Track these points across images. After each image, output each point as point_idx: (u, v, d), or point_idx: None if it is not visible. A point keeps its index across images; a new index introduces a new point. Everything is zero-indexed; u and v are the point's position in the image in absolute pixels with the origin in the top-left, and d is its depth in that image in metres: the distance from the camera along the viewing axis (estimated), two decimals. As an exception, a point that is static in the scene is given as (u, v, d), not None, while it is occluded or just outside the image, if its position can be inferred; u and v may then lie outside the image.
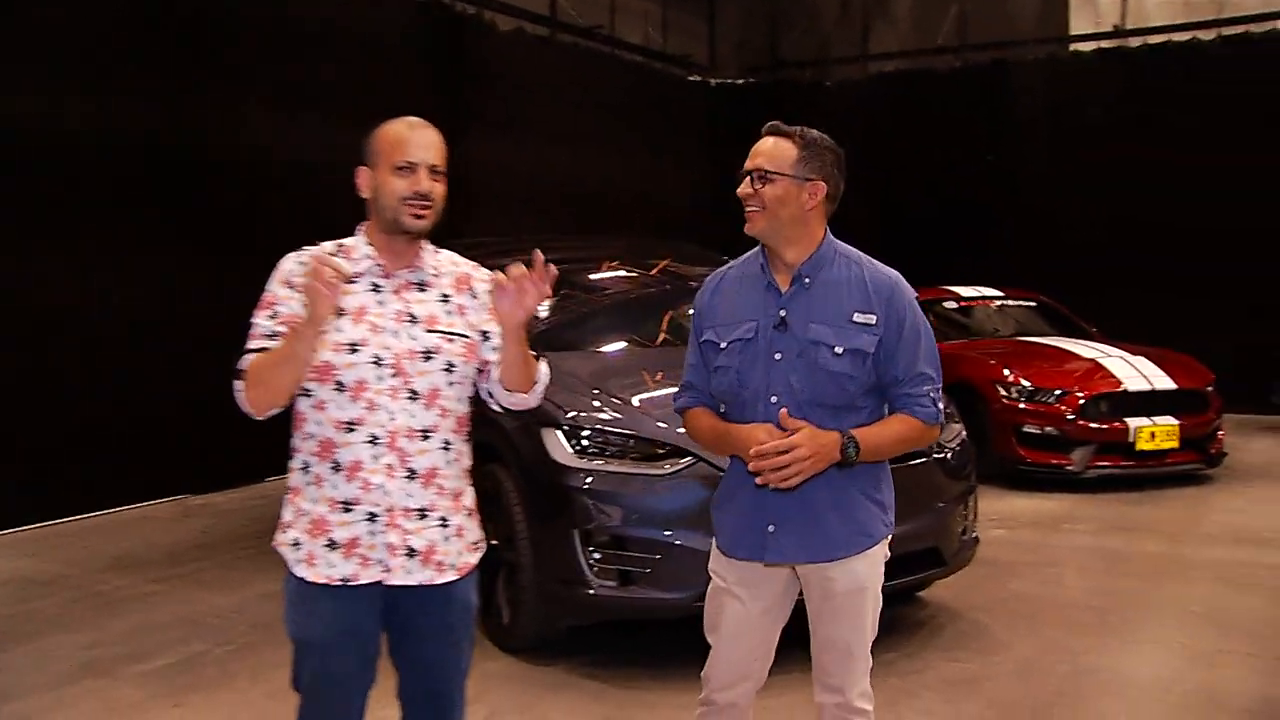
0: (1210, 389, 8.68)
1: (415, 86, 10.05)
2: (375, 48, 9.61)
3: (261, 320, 2.57)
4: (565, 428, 4.68)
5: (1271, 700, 4.40)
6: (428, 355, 2.58)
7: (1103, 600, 5.68)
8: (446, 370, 2.60)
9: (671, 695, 4.37)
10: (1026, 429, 8.38)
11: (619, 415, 4.79)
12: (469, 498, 2.74)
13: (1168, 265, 12.35)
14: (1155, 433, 8.25)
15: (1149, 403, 8.40)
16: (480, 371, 2.71)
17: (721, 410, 2.92)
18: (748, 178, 2.82)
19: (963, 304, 10.31)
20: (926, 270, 10.34)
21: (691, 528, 4.41)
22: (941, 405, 2.85)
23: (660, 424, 4.70)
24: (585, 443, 4.66)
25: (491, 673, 4.65)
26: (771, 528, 2.82)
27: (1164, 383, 8.49)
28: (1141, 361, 8.72)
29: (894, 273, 2.86)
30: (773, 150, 2.82)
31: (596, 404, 4.86)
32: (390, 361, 2.55)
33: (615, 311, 6.39)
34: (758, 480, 2.71)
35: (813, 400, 2.75)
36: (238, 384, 2.51)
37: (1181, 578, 6.10)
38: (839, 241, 2.89)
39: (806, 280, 2.81)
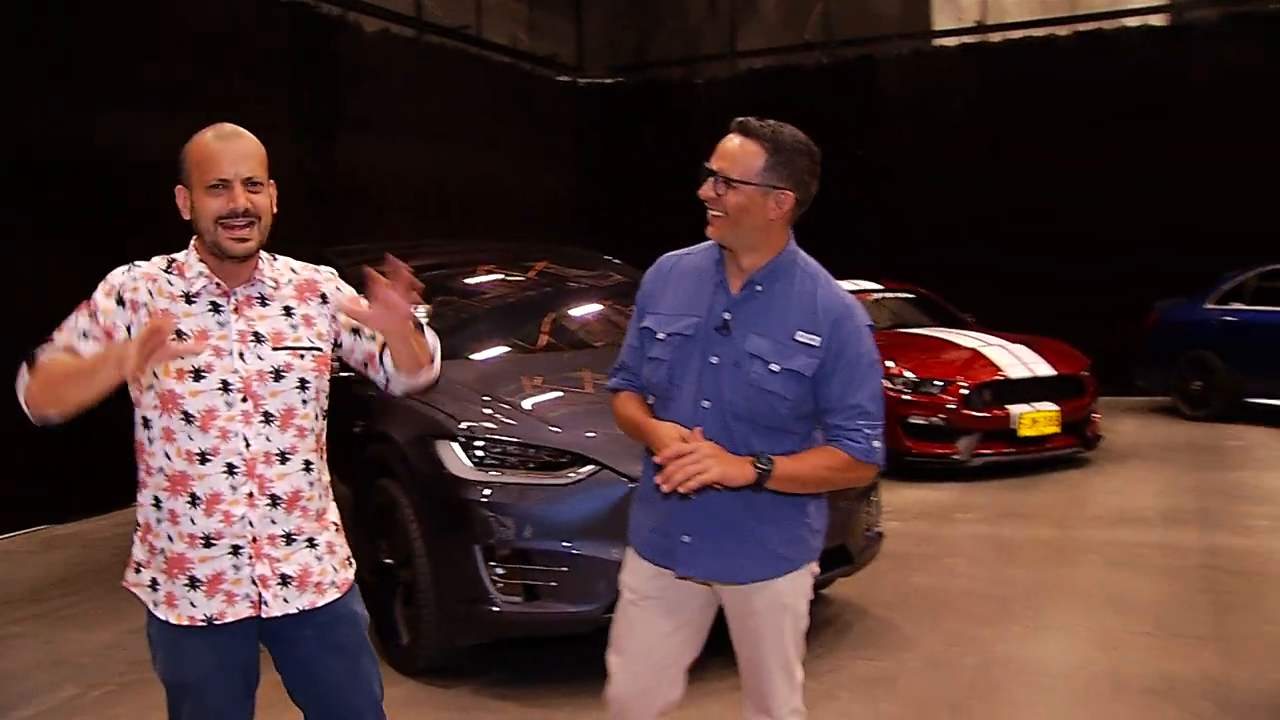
0: (1086, 374, 8.88)
1: (281, 88, 9.73)
2: (239, 48, 9.25)
3: (77, 319, 2.38)
4: (460, 439, 4.48)
5: (1171, 677, 4.45)
6: (278, 375, 2.43)
7: (1003, 589, 5.72)
8: (300, 388, 2.45)
9: (583, 713, 4.22)
10: (912, 420, 8.44)
11: (513, 423, 4.61)
12: (333, 513, 2.60)
13: (1029, 258, 12.74)
14: (1036, 419, 8.40)
15: (1029, 389, 8.55)
16: (366, 365, 2.59)
17: (650, 401, 2.77)
18: (710, 179, 2.61)
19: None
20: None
21: (597, 538, 4.27)
22: (879, 445, 2.62)
23: (555, 430, 4.55)
24: (482, 454, 4.47)
25: (395, 699, 4.36)
26: (686, 538, 2.67)
27: (1043, 369, 8.66)
28: (1020, 349, 8.88)
29: (851, 299, 2.67)
30: (738, 154, 2.59)
31: (488, 412, 4.67)
32: (239, 386, 2.39)
33: (495, 316, 6.19)
34: (658, 481, 2.49)
35: (742, 415, 2.60)
36: (24, 372, 2.31)
37: (1074, 562, 6.18)
38: (803, 253, 2.72)
39: (759, 288, 2.64)
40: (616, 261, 6.88)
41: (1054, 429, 8.48)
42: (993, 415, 8.40)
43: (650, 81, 14.94)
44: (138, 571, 2.47)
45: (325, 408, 2.55)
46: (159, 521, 2.42)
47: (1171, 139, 12.28)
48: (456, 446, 4.47)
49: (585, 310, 6.42)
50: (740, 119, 2.64)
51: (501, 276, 6.55)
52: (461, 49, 12.61)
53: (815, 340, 2.58)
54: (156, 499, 2.42)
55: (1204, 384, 10.52)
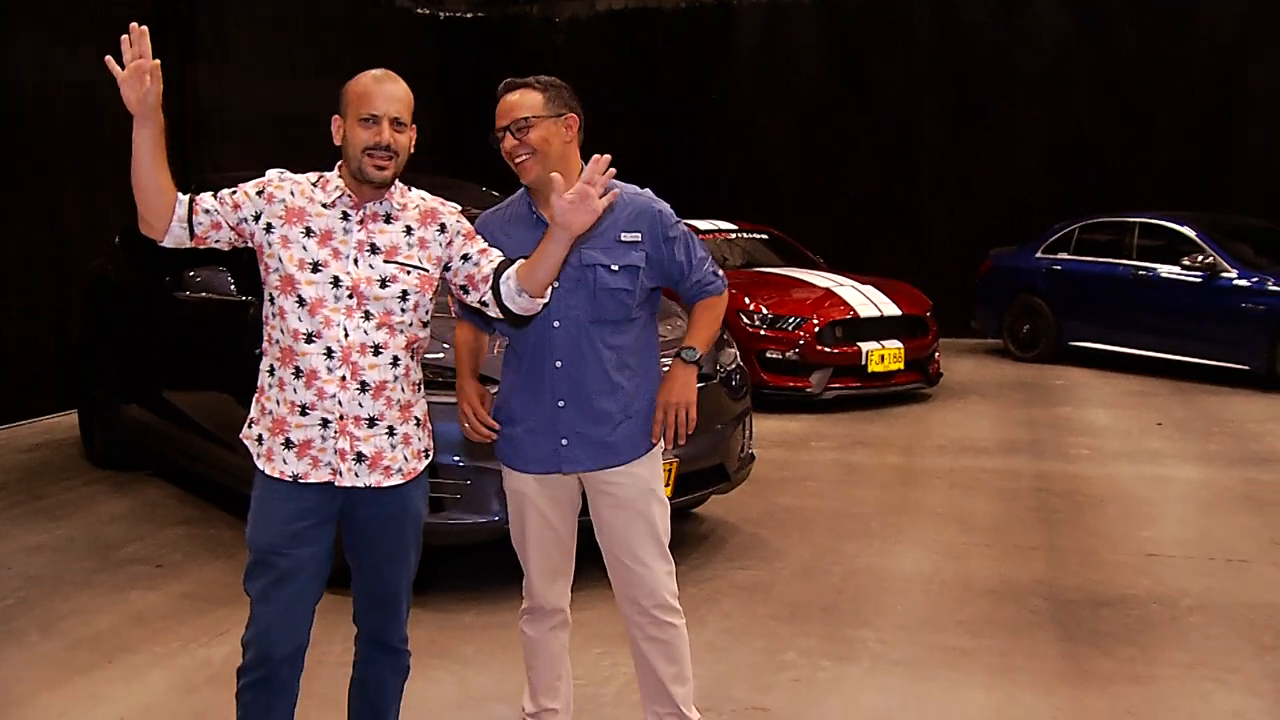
0: (929, 315, 9.48)
1: (138, 15, 9.44)
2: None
3: (223, 192, 2.72)
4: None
5: (1010, 580, 4.99)
6: (384, 283, 2.74)
7: (859, 508, 6.21)
8: (401, 298, 2.76)
9: (487, 615, 4.51)
10: (768, 354, 8.89)
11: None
12: (419, 409, 2.88)
13: (876, 204, 13.41)
14: (884, 355, 8.96)
15: (878, 328, 9.10)
16: (466, 288, 2.88)
17: (503, 340, 3.19)
18: (507, 133, 2.98)
19: (700, 237, 10.72)
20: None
21: (493, 453, 4.52)
22: (721, 272, 3.22)
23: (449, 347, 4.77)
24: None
25: (300, 608, 4.63)
26: (565, 441, 3.04)
27: (891, 309, 9.21)
28: (870, 289, 9.42)
29: (645, 191, 3.13)
30: (521, 100, 2.98)
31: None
32: (348, 285, 2.71)
33: None
34: (678, 444, 3.10)
35: (593, 319, 3.01)
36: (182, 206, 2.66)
37: (921, 485, 6.73)
38: None
39: None
40: (494, 193, 7.05)
41: (900, 365, 9.07)
42: (844, 351, 8.92)
43: (511, 18, 14.96)
44: (250, 427, 2.80)
45: (425, 319, 2.86)
46: (270, 386, 2.77)
47: (1016, 94, 13.04)
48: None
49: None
50: (506, 80, 3.06)
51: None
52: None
53: (636, 236, 3.04)
54: (271, 366, 2.78)
55: (1032, 327, 11.31)
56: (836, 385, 8.94)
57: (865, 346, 8.94)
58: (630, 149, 14.68)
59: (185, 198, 2.67)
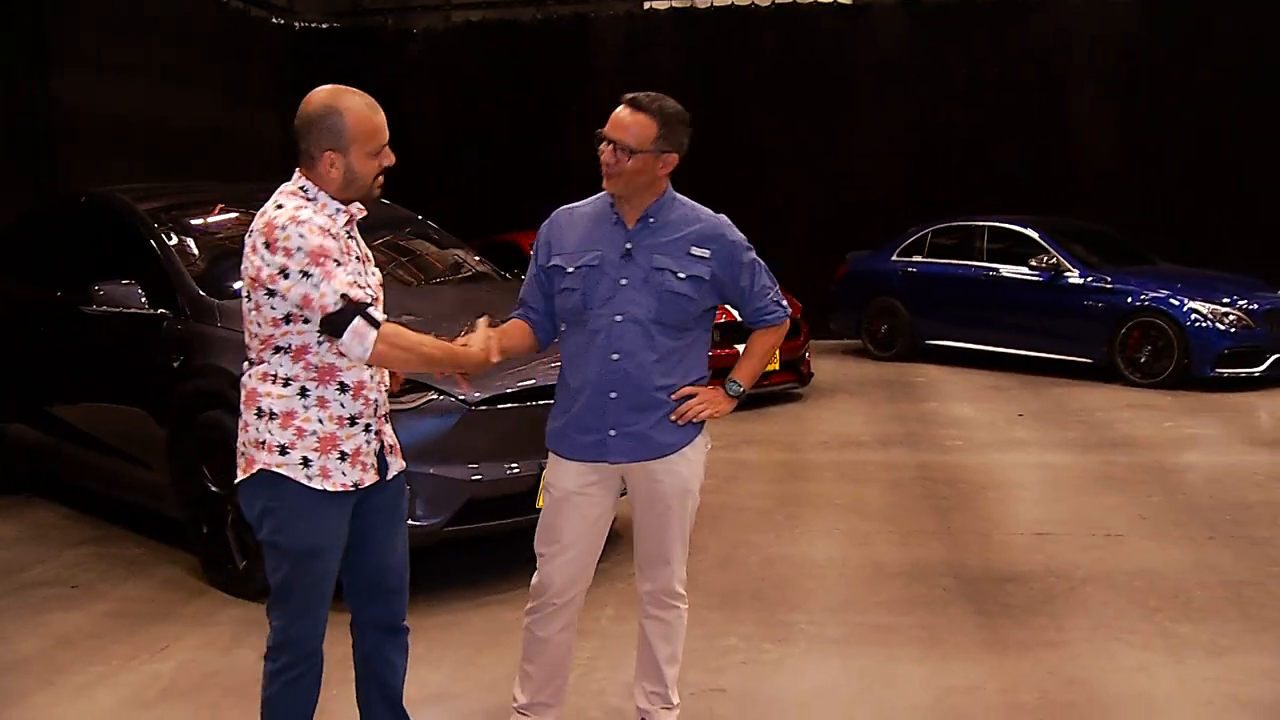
0: (800, 318, 9.84)
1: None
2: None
3: (343, 275, 2.75)
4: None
5: (916, 562, 5.32)
6: (383, 285, 3.01)
7: (759, 502, 6.47)
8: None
9: (429, 616, 4.57)
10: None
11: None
12: None
13: (730, 213, 13.76)
14: (761, 357, 9.26)
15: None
16: None
17: (563, 328, 3.28)
18: (610, 145, 3.13)
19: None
20: (510, 218, 11.00)
21: (438, 459, 4.62)
22: (785, 302, 3.39)
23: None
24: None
25: (237, 618, 4.63)
26: (613, 432, 3.19)
27: (765, 313, 9.52)
28: (743, 295, 9.71)
29: (722, 217, 3.33)
30: (634, 124, 3.12)
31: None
32: (372, 296, 2.86)
33: None
34: (674, 416, 3.18)
35: (654, 319, 3.17)
36: (371, 332, 2.71)
37: (811, 478, 7.04)
38: (677, 193, 3.33)
39: (651, 220, 3.23)
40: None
41: (775, 366, 9.39)
42: (722, 354, 9.18)
43: (366, 29, 14.86)
44: (285, 454, 2.80)
45: None
46: (308, 408, 2.83)
47: (854, 109, 13.63)
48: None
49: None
50: (631, 95, 3.19)
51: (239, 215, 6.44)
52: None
53: (706, 253, 3.22)
54: (304, 389, 2.81)
55: (890, 327, 11.85)
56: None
57: (741, 348, 9.22)
58: (489, 159, 14.90)
59: (361, 321, 2.72)
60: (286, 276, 2.70)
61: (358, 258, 2.89)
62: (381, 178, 2.89)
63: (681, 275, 3.17)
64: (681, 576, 3.38)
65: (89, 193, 6.41)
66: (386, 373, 3.00)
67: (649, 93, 3.21)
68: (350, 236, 2.90)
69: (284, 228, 2.72)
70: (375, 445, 2.93)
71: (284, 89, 13.93)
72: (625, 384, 3.16)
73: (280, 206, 2.78)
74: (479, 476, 4.77)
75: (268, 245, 2.72)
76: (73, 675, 4.13)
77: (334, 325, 2.71)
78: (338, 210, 2.86)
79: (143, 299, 5.24)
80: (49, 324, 6.04)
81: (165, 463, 5.17)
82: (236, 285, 5.37)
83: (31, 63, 9.73)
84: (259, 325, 2.80)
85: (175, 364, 5.06)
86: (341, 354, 2.78)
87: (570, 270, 3.20)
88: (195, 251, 5.53)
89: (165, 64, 11.38)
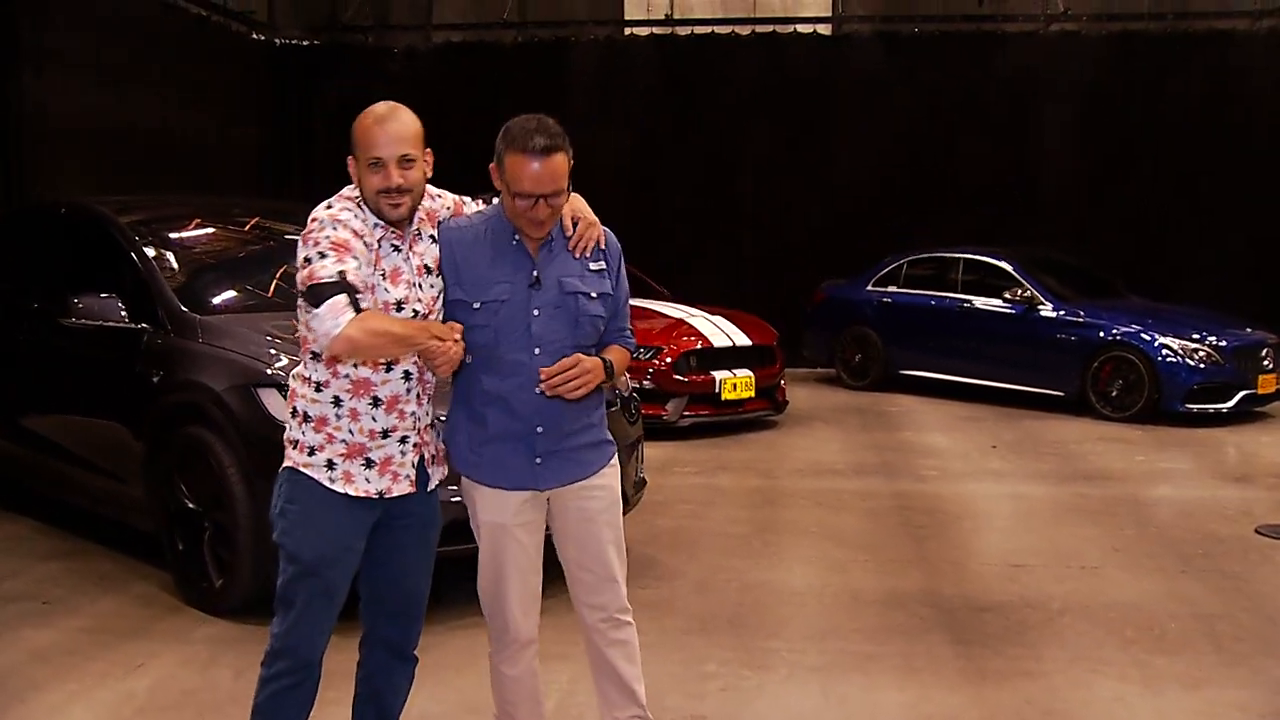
0: (776, 345, 9.90)
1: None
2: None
3: (353, 264, 2.71)
4: (281, 385, 4.63)
5: (894, 591, 5.34)
6: (439, 296, 2.94)
7: (736, 528, 6.48)
8: (444, 306, 2.97)
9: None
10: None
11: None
12: None
13: (705, 237, 13.86)
14: (737, 384, 9.31)
15: (730, 357, 9.45)
16: None
17: (468, 360, 3.02)
18: (541, 201, 2.90)
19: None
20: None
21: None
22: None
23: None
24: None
25: (211, 637, 4.59)
26: (539, 460, 3.08)
27: (742, 339, 9.58)
28: (720, 320, 9.77)
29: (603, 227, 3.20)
30: (556, 168, 2.90)
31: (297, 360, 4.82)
32: (423, 312, 2.86)
33: (235, 268, 6.08)
34: (544, 388, 2.97)
35: (573, 345, 3.05)
36: (349, 312, 2.61)
37: (787, 505, 7.06)
38: None
39: (553, 243, 3.07)
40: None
41: (751, 394, 9.43)
42: (699, 380, 9.23)
43: (346, 46, 14.84)
44: (313, 454, 2.83)
45: None
46: (339, 417, 2.87)
47: (830, 136, 13.75)
48: (277, 392, 4.60)
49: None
50: (541, 140, 2.87)
51: (218, 229, 6.40)
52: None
53: (602, 265, 3.13)
54: (337, 398, 2.83)
55: (863, 356, 11.91)
56: (690, 413, 9.23)
57: (718, 375, 9.27)
58: (467, 180, 14.85)
59: (343, 298, 2.65)
60: (309, 263, 2.72)
61: (389, 271, 2.83)
62: (397, 200, 2.80)
63: (594, 295, 3.07)
64: (624, 600, 3.27)
65: (68, 202, 6.38)
66: (429, 384, 2.95)
67: (539, 123, 2.91)
68: (396, 250, 2.86)
69: (320, 221, 2.77)
70: (414, 457, 2.93)
71: (265, 104, 13.94)
72: (552, 416, 3.05)
73: (329, 206, 2.84)
74: (460, 499, 4.73)
75: (304, 240, 2.78)
76: (47, 693, 4.07)
77: (316, 295, 2.65)
78: (376, 224, 2.85)
79: (123, 312, 5.20)
80: (24, 334, 5.97)
81: (141, 477, 5.13)
82: (217, 300, 5.46)
83: (4, 72, 9.67)
84: (301, 327, 2.82)
85: (155, 379, 5.02)
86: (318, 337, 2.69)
87: (477, 306, 3.00)
88: (176, 265, 5.50)
89: (142, 76, 11.29)
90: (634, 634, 3.31)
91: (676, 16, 14.34)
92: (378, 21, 15.24)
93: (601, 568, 3.22)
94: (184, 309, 5.17)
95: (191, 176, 11.55)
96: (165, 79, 11.69)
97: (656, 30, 14.36)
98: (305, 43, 14.69)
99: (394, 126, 2.79)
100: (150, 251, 5.48)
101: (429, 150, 2.89)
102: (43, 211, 6.83)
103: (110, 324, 5.22)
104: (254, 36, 14.07)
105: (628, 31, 14.61)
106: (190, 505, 4.87)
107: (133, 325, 5.20)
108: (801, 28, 14.10)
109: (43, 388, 5.91)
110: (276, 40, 14.41)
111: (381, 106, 2.83)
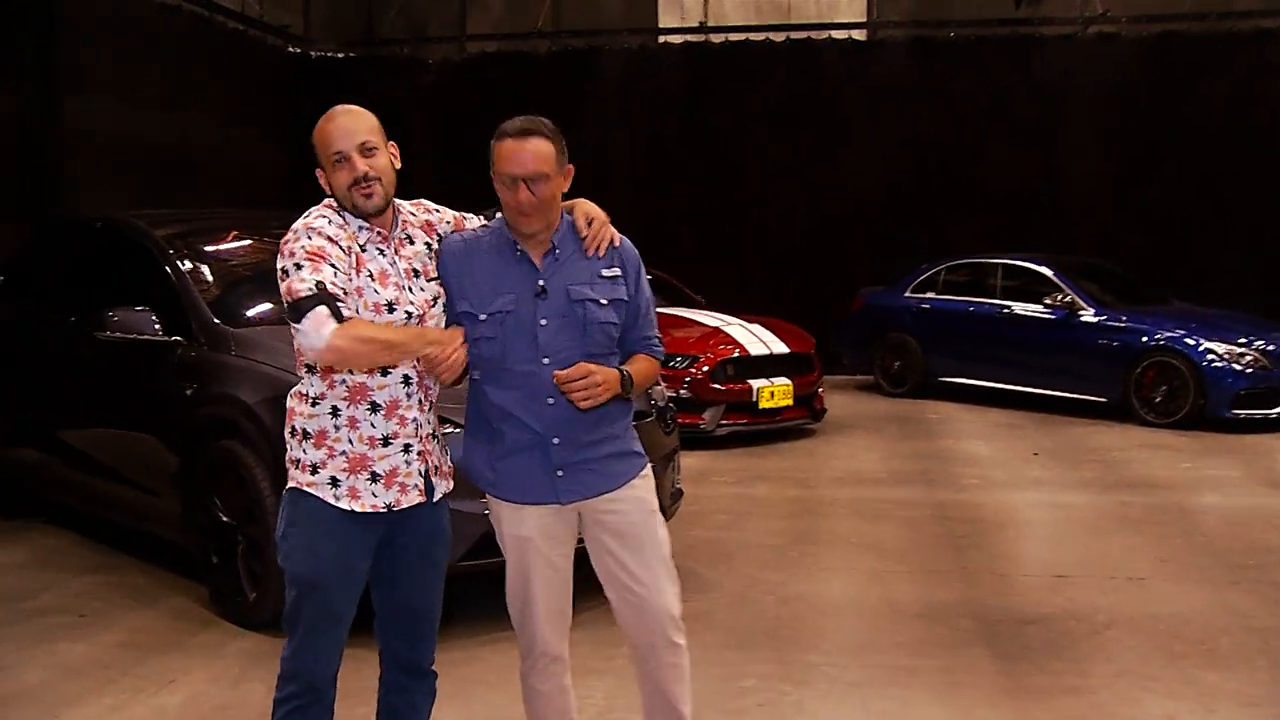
0: (813, 353, 9.81)
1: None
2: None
3: (329, 272, 2.66)
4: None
5: (934, 603, 5.24)
6: (435, 301, 2.89)
7: (774, 539, 6.39)
8: (444, 311, 2.91)
9: (442, 652, 4.48)
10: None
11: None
12: None
13: (742, 245, 13.77)
14: (774, 392, 9.22)
15: (767, 365, 9.36)
16: None
17: (475, 376, 2.99)
18: (523, 185, 2.87)
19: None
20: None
21: (454, 492, 4.53)
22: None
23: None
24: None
25: (245, 651, 4.57)
26: (560, 473, 3.00)
27: (779, 347, 9.50)
28: (757, 328, 9.69)
29: (619, 234, 3.13)
30: (539, 151, 2.88)
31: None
32: (417, 314, 2.82)
33: (267, 281, 6.05)
34: (573, 398, 2.88)
35: (583, 353, 2.96)
36: (331, 323, 2.57)
37: (826, 515, 6.97)
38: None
39: (558, 251, 3.01)
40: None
41: (788, 402, 9.33)
42: (736, 389, 9.15)
43: (380, 59, 14.90)
44: (315, 473, 2.78)
45: None
46: (338, 428, 2.81)
47: (863, 141, 13.61)
48: (309, 406, 4.59)
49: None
50: (520, 125, 2.92)
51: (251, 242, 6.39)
52: (194, 11, 12.17)
53: (617, 272, 3.05)
54: (335, 408, 2.77)
55: (902, 364, 11.78)
56: (728, 422, 9.15)
57: (755, 384, 9.18)
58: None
59: (324, 310, 2.60)
60: (286, 275, 2.67)
61: (376, 273, 2.79)
62: (366, 187, 2.76)
63: (604, 302, 3.00)
64: (678, 608, 3.15)
65: (104, 216, 6.40)
66: (431, 390, 2.91)
67: (525, 116, 2.96)
68: (381, 254, 2.83)
69: (296, 232, 2.74)
70: (420, 465, 2.87)
71: (300, 118, 13.99)
72: (567, 426, 2.97)
73: (306, 216, 2.81)
74: (489, 512, 4.69)
75: (280, 252, 2.74)
76: (80, 707, 4.06)
77: (297, 310, 2.60)
78: (360, 227, 2.82)
79: (157, 325, 5.20)
80: (60, 347, 6.00)
81: (175, 491, 5.12)
82: (251, 313, 5.46)
83: (41, 85, 9.76)
84: (293, 342, 2.76)
85: (188, 392, 5.01)
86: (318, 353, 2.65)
87: (483, 318, 2.94)
88: (210, 279, 5.50)
89: (177, 90, 11.39)
90: (685, 653, 3.18)
91: (710, 24, 14.28)
92: (413, 34, 15.31)
93: (643, 586, 3.09)
94: (217, 322, 5.16)
95: (226, 190, 11.62)
96: (200, 93, 11.79)
97: (690, 38, 14.30)
98: (340, 55, 14.76)
99: (345, 120, 2.80)
100: (184, 265, 5.48)
101: (393, 143, 2.89)
102: (78, 225, 6.87)
103: (144, 337, 5.22)
104: (289, 50, 14.15)
105: (661, 39, 14.56)
106: (224, 519, 4.85)
107: (166, 338, 5.20)
108: (836, 34, 13.99)
109: (78, 401, 5.93)
110: (312, 53, 14.49)
111: (334, 108, 2.84)
